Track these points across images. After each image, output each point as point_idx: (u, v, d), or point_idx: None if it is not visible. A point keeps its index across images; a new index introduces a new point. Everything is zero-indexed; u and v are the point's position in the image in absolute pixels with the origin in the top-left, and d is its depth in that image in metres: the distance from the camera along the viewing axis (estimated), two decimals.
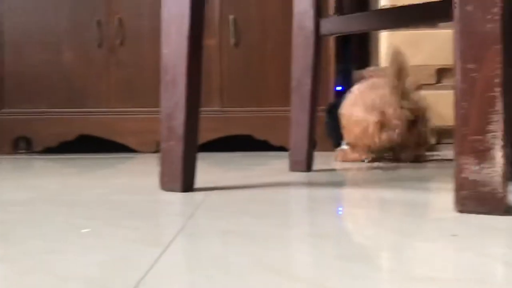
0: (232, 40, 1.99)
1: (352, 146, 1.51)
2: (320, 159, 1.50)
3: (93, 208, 0.70)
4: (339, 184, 0.98)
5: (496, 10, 0.59)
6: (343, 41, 2.20)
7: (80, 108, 1.98)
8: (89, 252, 0.46)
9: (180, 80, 0.84)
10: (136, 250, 0.46)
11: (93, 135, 1.98)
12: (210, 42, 1.96)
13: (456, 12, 0.62)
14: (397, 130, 1.43)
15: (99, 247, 0.48)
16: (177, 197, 0.79)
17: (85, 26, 1.98)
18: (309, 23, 1.19)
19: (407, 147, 1.48)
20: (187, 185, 0.85)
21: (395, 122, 1.43)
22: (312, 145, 1.23)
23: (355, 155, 1.50)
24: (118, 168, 1.40)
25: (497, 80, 0.59)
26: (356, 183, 0.99)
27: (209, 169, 1.29)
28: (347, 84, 1.94)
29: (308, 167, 1.21)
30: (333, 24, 1.20)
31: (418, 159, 1.49)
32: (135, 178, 1.11)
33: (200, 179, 0.92)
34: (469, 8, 0.61)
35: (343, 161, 1.52)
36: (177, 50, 0.84)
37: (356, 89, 1.57)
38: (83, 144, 2.01)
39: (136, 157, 1.79)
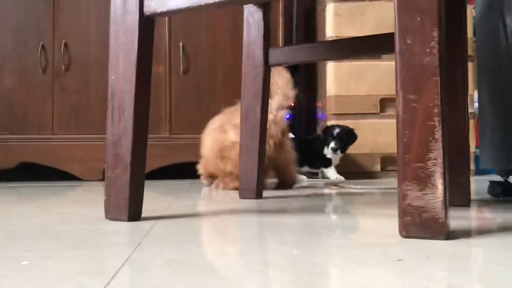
0: (181, 67, 1.99)
1: (229, 173, 1.47)
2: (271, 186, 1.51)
3: (33, 239, 0.67)
4: (288, 211, 0.98)
5: (434, 44, 0.63)
6: (292, 70, 2.25)
7: (22, 134, 1.91)
8: (28, 286, 0.44)
9: (127, 107, 0.82)
10: (79, 283, 0.44)
11: (35, 162, 1.91)
12: (159, 68, 1.96)
13: (397, 45, 0.65)
14: (271, 142, 1.44)
15: (38, 281, 0.45)
16: (123, 227, 0.77)
17: (29, 51, 1.93)
18: (259, 53, 1.21)
19: (280, 170, 1.51)
20: (134, 214, 0.83)
21: (272, 133, 1.43)
22: (262, 173, 1.23)
23: (236, 183, 1.36)
24: (61, 197, 1.35)
25: (436, 110, 0.62)
26: (305, 210, 1.00)
27: (156, 197, 1.27)
28: (295, 111, 1.97)
29: (258, 194, 1.21)
30: (282, 54, 1.23)
31: (290, 185, 1.54)
32: (79, 207, 1.07)
33: (147, 207, 0.90)
34: (409, 41, 0.64)
35: (225, 189, 1.49)
36: (125, 77, 0.83)
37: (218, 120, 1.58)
38: (24, 172, 1.93)
39: (81, 185, 1.73)
